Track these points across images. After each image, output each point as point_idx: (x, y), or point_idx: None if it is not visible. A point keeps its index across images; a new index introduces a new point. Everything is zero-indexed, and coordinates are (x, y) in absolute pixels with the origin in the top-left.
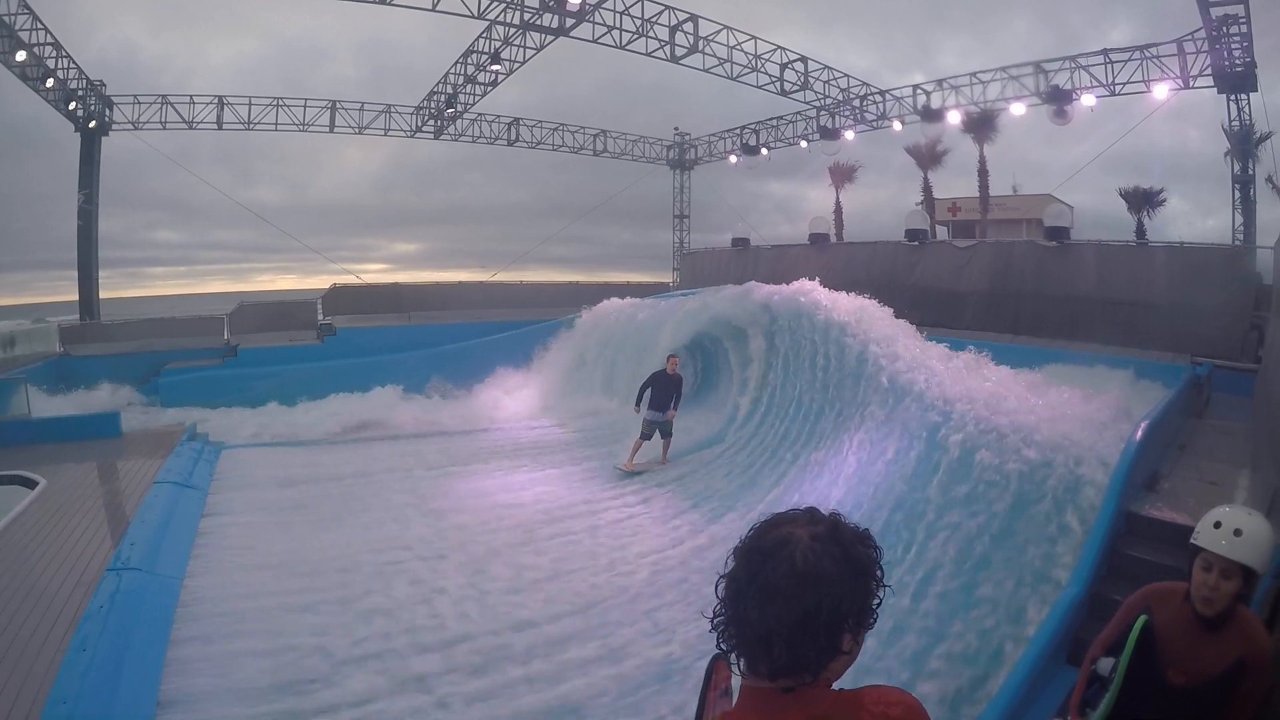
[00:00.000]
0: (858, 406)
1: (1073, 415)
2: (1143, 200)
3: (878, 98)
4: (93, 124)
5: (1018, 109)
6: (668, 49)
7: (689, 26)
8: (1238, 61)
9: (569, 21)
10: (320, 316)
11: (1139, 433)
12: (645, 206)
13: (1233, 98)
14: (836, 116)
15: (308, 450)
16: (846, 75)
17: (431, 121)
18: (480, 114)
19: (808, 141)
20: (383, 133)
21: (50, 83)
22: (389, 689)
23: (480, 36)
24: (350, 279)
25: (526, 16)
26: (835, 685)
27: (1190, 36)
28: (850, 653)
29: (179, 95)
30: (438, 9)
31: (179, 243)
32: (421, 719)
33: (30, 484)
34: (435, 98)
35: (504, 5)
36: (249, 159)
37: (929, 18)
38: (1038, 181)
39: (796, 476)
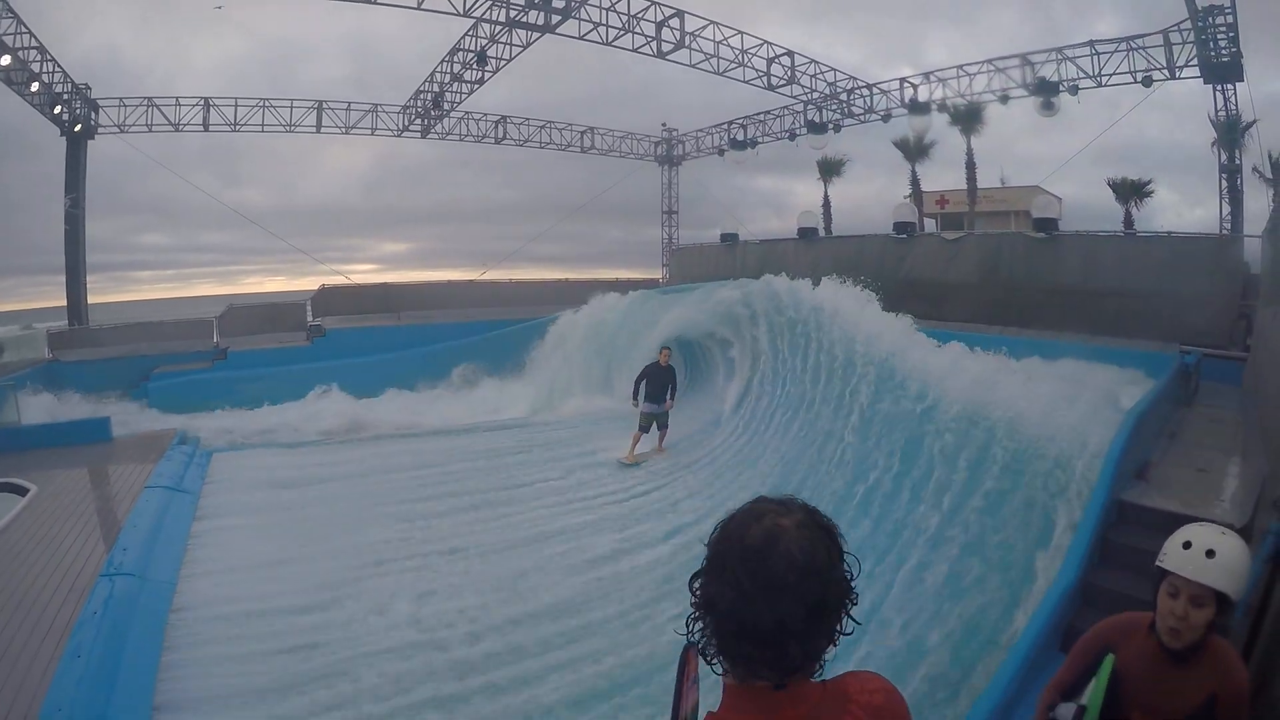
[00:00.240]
0: (848, 397)
1: (1062, 404)
2: (1130, 191)
3: (865, 91)
4: (78, 128)
5: (1004, 102)
6: (654, 45)
7: (675, 22)
8: (1224, 52)
9: (555, 18)
10: (310, 318)
11: (1129, 421)
12: (634, 203)
13: (1219, 88)
14: (824, 110)
15: (299, 452)
16: (834, 69)
17: (418, 121)
18: (467, 112)
19: (795, 136)
20: (369, 132)
21: (35, 87)
22: (385, 690)
23: (466, 34)
24: (339, 280)
25: (512, 14)
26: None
27: (1176, 27)
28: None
29: (164, 98)
30: (423, 7)
31: (166, 246)
32: (423, 718)
33: (21, 491)
34: (422, 97)
35: (490, 3)
36: (235, 161)
37: (915, 11)
38: (1026, 173)
39: (793, 465)
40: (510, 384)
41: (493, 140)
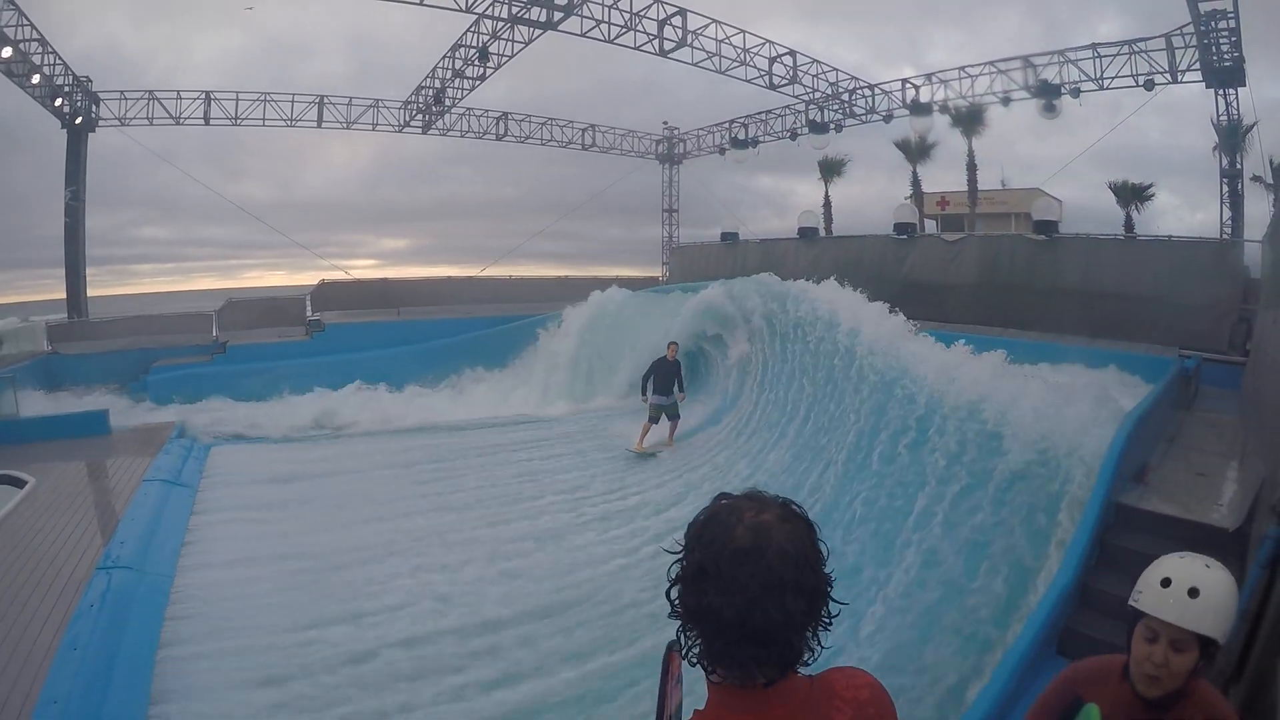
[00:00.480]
0: (848, 398)
1: (1061, 407)
2: (1131, 194)
3: (867, 92)
4: (79, 120)
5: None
6: (656, 43)
7: (677, 20)
8: (1226, 56)
9: (557, 15)
10: (309, 312)
11: (1128, 424)
12: (634, 201)
13: (1221, 92)
14: (825, 110)
15: (297, 446)
16: (835, 69)
17: (420, 116)
18: (468, 109)
19: (797, 135)
20: (371, 128)
21: (36, 79)
22: (384, 685)
23: (468, 31)
24: (339, 275)
25: (515, 10)
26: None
27: (1179, 31)
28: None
29: (165, 91)
30: (425, 3)
31: (166, 239)
32: (417, 714)
33: (19, 483)
34: (423, 92)
35: (492, 0)
36: (236, 155)
37: (918, 11)
38: (1026, 175)
39: (795, 458)
40: (510, 380)
41: (494, 137)
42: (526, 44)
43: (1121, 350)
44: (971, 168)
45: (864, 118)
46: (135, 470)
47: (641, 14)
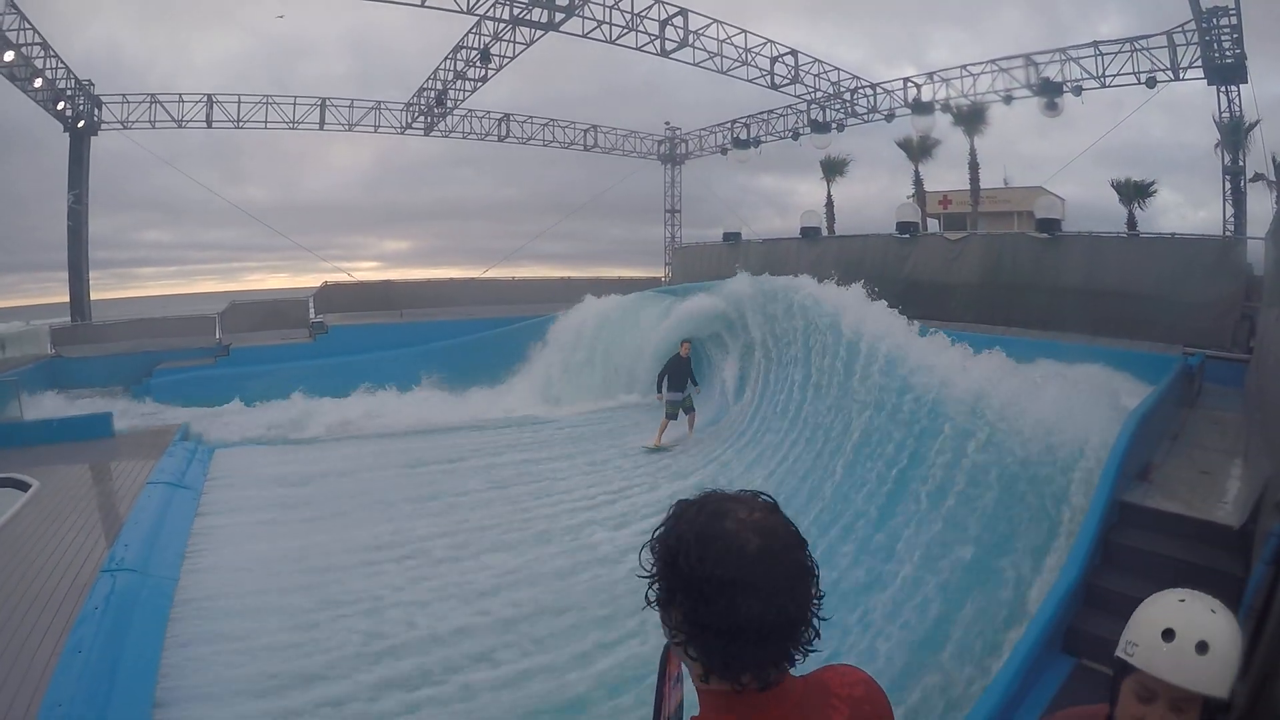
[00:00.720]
0: (851, 395)
1: (1065, 405)
2: (1134, 192)
3: (868, 91)
4: (81, 124)
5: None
6: (658, 43)
7: (679, 20)
8: (1228, 53)
9: (558, 16)
10: (312, 315)
11: (1131, 422)
12: (636, 201)
13: (1223, 89)
14: (827, 110)
15: (301, 449)
16: (837, 69)
17: (421, 118)
18: (470, 110)
19: (799, 135)
20: (373, 129)
21: (39, 83)
22: (388, 687)
23: (470, 32)
24: (342, 277)
25: (516, 11)
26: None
27: (1180, 28)
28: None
29: (168, 94)
30: (426, 5)
31: (169, 242)
32: (423, 715)
33: (23, 486)
34: (425, 94)
35: (493, 1)
36: (238, 157)
37: (919, 10)
38: (1029, 174)
39: (794, 465)
40: (513, 381)
41: (496, 138)
42: (528, 45)
43: (1125, 348)
44: (974, 166)
45: (866, 117)
46: (139, 473)
47: (643, 14)
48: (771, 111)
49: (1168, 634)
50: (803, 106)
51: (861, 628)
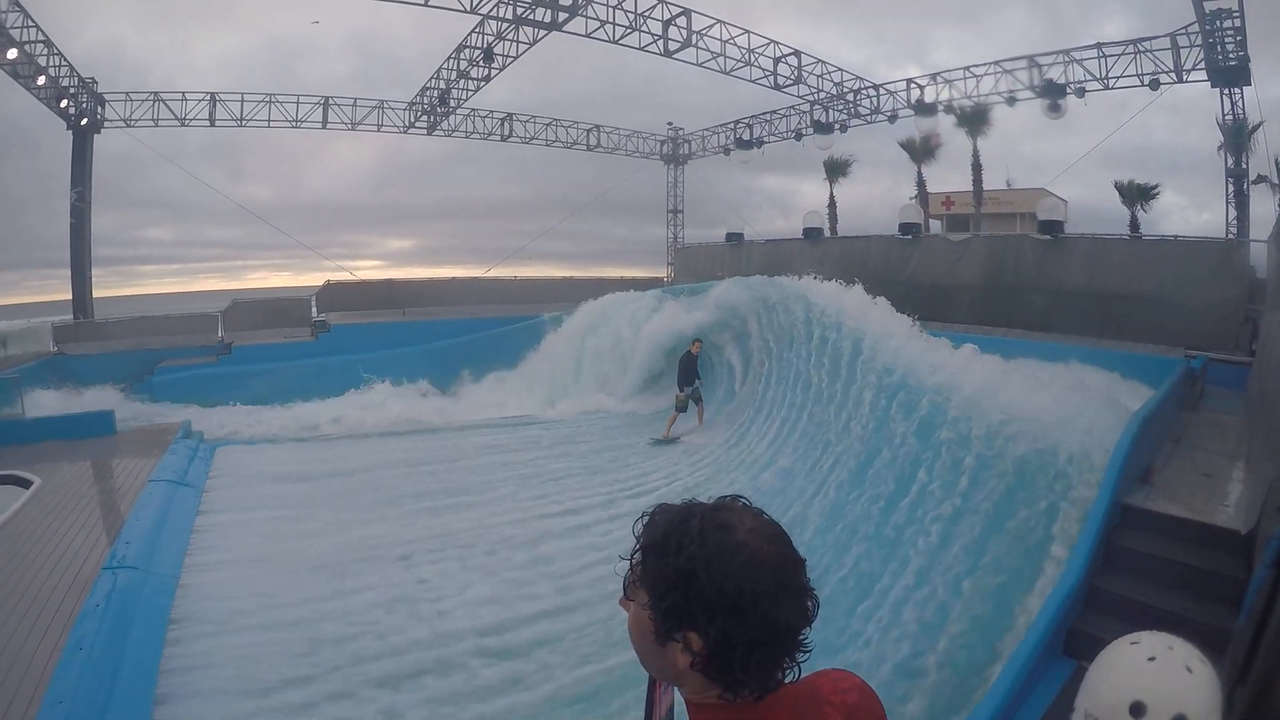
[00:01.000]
0: (853, 395)
1: (1067, 407)
2: (1137, 194)
3: (871, 92)
4: (85, 122)
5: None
6: (661, 43)
7: (682, 20)
8: (1231, 55)
9: (562, 16)
10: (315, 313)
11: (1134, 425)
12: (639, 201)
13: (1226, 91)
14: (830, 110)
15: (303, 447)
16: (840, 69)
17: (424, 117)
18: (473, 109)
19: (801, 136)
20: (376, 129)
21: (42, 80)
22: (389, 685)
23: (473, 31)
24: (345, 276)
25: (519, 11)
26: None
27: (1184, 30)
28: None
29: (171, 92)
30: (430, 4)
31: (171, 240)
32: (425, 714)
33: (25, 483)
34: (428, 93)
35: (496, 0)
36: (240, 156)
37: (922, 11)
38: (1032, 175)
39: (796, 468)
40: (516, 381)
41: (499, 137)
42: (531, 45)
43: (1127, 350)
44: (977, 168)
45: (869, 118)
46: (141, 470)
47: (646, 14)
48: (774, 112)
49: (1137, 709)
50: (806, 107)
51: (860, 631)
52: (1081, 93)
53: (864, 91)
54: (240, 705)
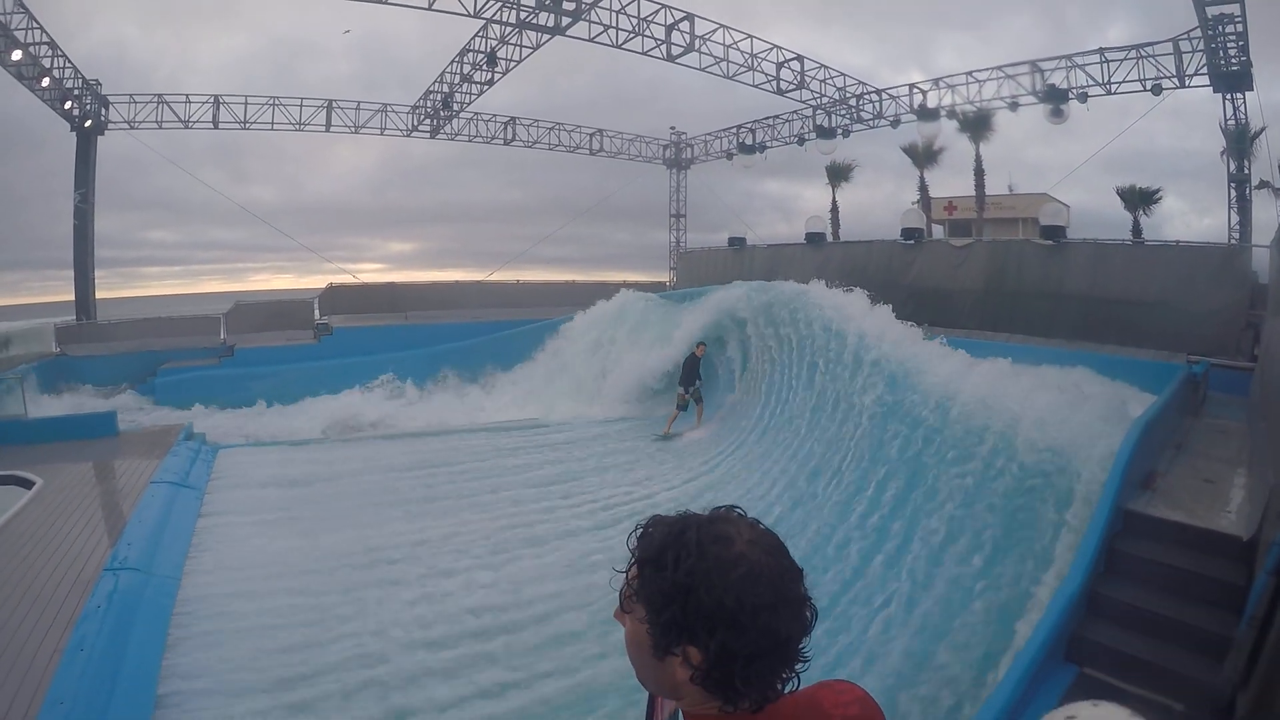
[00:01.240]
0: (855, 399)
1: (1069, 413)
2: (1139, 199)
3: (874, 97)
4: (88, 123)
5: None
6: (664, 48)
7: (685, 25)
8: (1233, 61)
9: (565, 20)
10: (317, 316)
11: (1135, 431)
12: (642, 206)
13: (1228, 96)
14: (833, 115)
15: (305, 450)
16: (843, 74)
17: (428, 121)
18: (476, 113)
19: (804, 140)
20: (379, 132)
21: (46, 82)
22: (391, 688)
23: (476, 35)
24: (347, 279)
25: (523, 15)
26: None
27: (1186, 35)
28: None
29: (175, 94)
30: (434, 8)
31: (174, 242)
32: (426, 717)
33: (27, 484)
34: (431, 97)
35: (500, 4)
36: (243, 157)
37: (926, 16)
38: (1034, 180)
39: (798, 472)
40: (518, 385)
41: (502, 141)
42: (534, 49)
43: (1129, 356)
44: (979, 173)
45: (871, 123)
46: (143, 472)
47: (649, 19)
48: (777, 117)
49: None
50: (808, 112)
51: (860, 637)
52: (1084, 98)
53: (867, 96)
54: (241, 706)
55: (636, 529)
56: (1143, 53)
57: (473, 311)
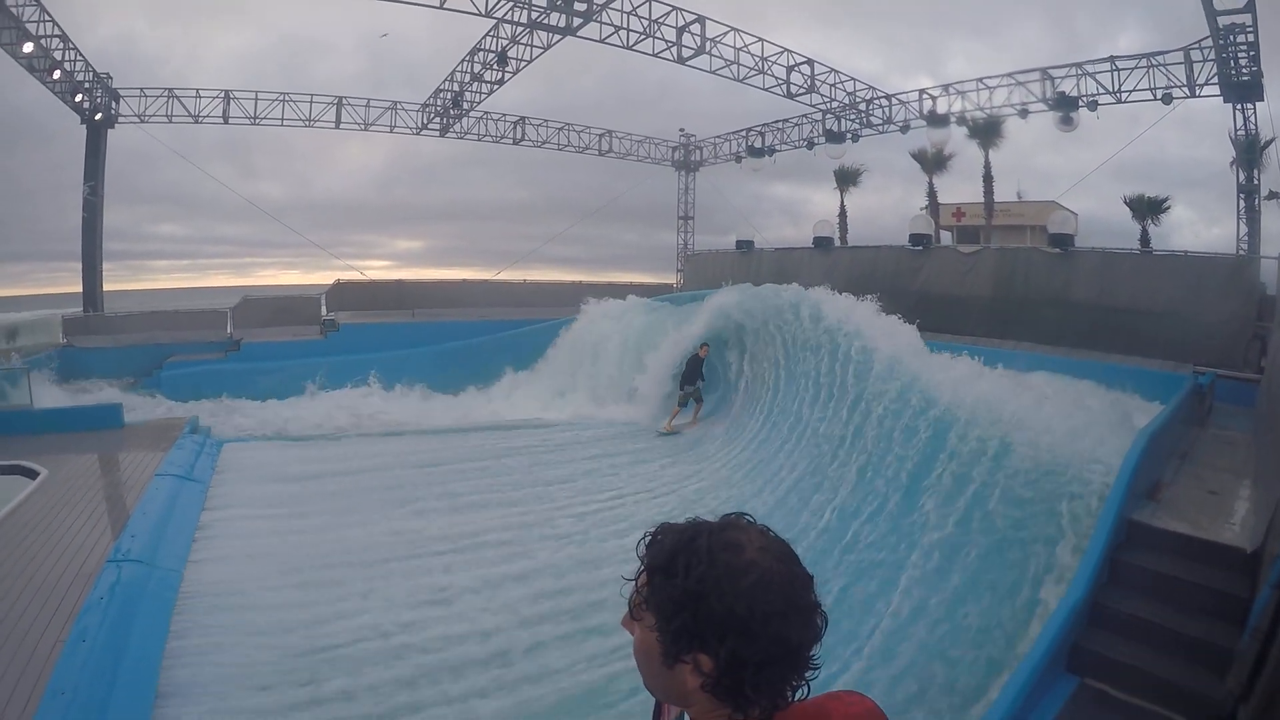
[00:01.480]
0: (858, 405)
1: (1074, 422)
2: (1147, 208)
3: (884, 102)
4: (99, 117)
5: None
6: (675, 50)
7: (696, 27)
8: (1244, 71)
9: (576, 21)
10: (324, 312)
11: (1141, 441)
12: (650, 207)
13: (1239, 106)
14: (842, 120)
15: (310, 445)
16: (853, 79)
17: (437, 119)
18: (486, 112)
19: (813, 144)
20: (389, 129)
21: (57, 74)
22: (391, 685)
23: (487, 35)
24: (354, 275)
25: (534, 16)
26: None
27: (1197, 45)
28: None
29: (185, 89)
30: (445, 7)
31: (183, 236)
32: (428, 714)
33: (31, 474)
34: (441, 95)
35: (511, 4)
36: (251, 153)
37: (936, 21)
38: (1043, 188)
39: (802, 477)
40: (524, 384)
41: (511, 141)
42: (545, 49)
43: (1136, 365)
44: (988, 179)
45: (881, 128)
46: (147, 465)
47: (660, 21)
48: (786, 120)
49: None
50: (818, 116)
51: (860, 645)
52: (1094, 106)
53: (876, 101)
54: (242, 701)
55: (645, 536)
56: (1153, 61)
57: (480, 310)
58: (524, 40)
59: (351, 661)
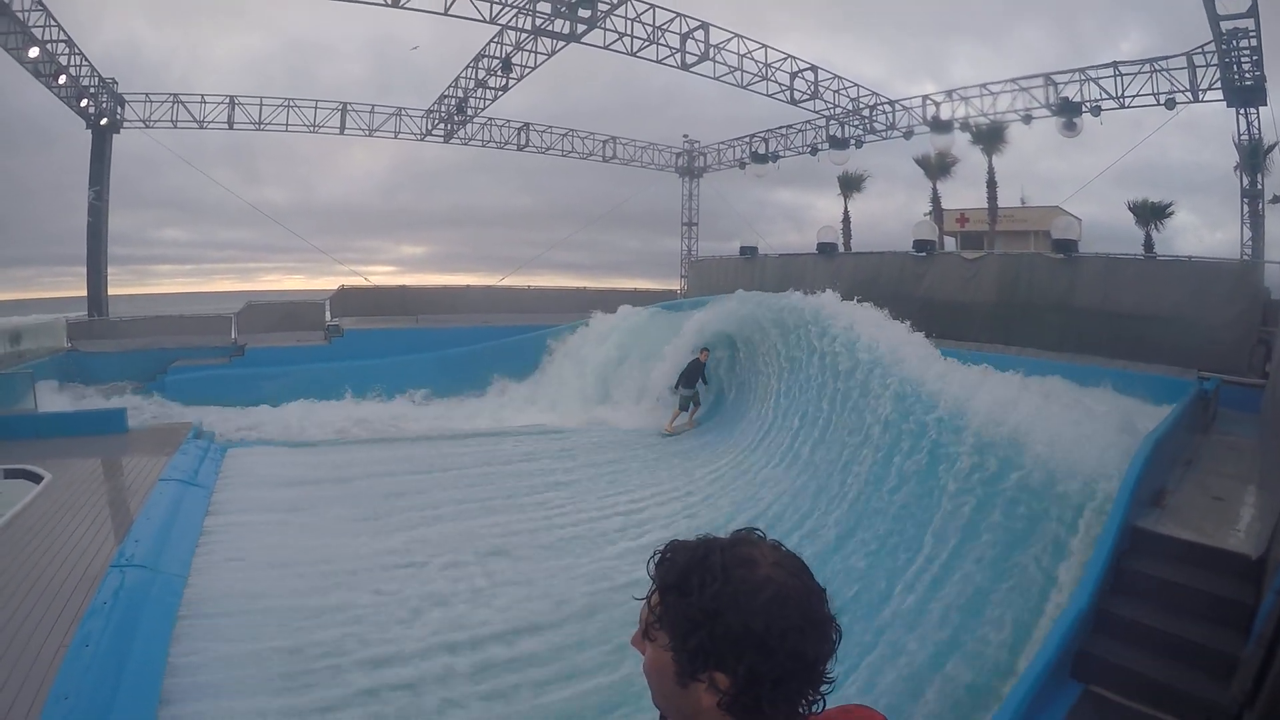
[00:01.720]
0: (862, 412)
1: (1079, 429)
2: (1151, 213)
3: (887, 108)
4: (104, 121)
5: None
6: (678, 56)
7: (700, 34)
8: (1247, 75)
9: (580, 28)
10: (328, 317)
11: (1145, 447)
12: (653, 214)
13: (1242, 111)
14: (846, 126)
15: (313, 451)
16: (856, 85)
17: (442, 125)
18: (490, 118)
19: (817, 150)
20: (393, 135)
21: (63, 79)
22: (395, 689)
23: (492, 41)
24: (358, 281)
25: (538, 22)
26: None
27: (1200, 50)
28: None
29: (190, 94)
30: (449, 13)
31: (187, 241)
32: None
33: (36, 478)
34: (446, 101)
35: (516, 11)
36: (256, 158)
37: (940, 27)
38: (1046, 193)
39: (805, 484)
40: (527, 390)
41: (515, 147)
42: (549, 55)
43: (1140, 371)
44: (991, 185)
45: (884, 134)
46: (151, 469)
47: (664, 28)
48: (790, 126)
49: None
50: (821, 122)
51: (865, 653)
52: (1097, 111)
53: (880, 107)
54: (245, 706)
55: (655, 554)
56: (1156, 66)
57: (483, 316)
58: (528, 47)
59: (356, 666)
